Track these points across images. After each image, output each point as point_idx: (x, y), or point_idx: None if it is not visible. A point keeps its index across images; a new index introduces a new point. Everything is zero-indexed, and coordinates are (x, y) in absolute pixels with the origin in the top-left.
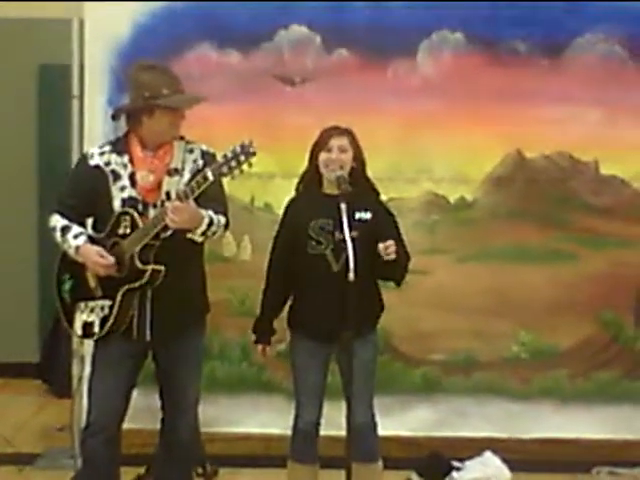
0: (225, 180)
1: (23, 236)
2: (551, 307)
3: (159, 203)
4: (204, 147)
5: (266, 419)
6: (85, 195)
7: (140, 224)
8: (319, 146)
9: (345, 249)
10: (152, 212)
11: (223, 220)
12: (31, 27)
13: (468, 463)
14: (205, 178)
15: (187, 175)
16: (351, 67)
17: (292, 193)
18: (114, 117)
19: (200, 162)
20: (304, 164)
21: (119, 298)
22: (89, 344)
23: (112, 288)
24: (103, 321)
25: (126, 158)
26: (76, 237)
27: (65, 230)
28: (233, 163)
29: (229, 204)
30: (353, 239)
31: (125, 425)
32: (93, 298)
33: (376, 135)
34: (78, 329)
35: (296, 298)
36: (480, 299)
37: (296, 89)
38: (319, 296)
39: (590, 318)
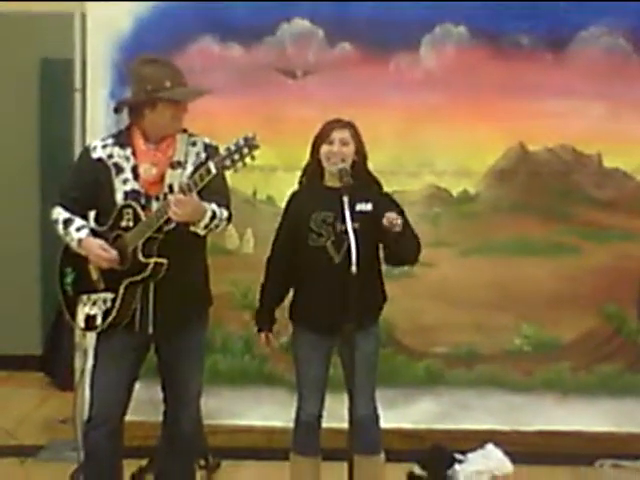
0: (227, 173)
1: (25, 229)
2: (554, 300)
3: (162, 196)
4: (207, 140)
5: (268, 412)
6: (87, 188)
7: (143, 217)
8: (321, 138)
9: (346, 241)
10: (155, 205)
11: (226, 213)
12: (33, 21)
13: (470, 455)
14: (208, 171)
15: (190, 168)
16: (354, 60)
17: (294, 186)
18: (116, 110)
19: (203, 155)
20: (306, 157)
21: (122, 291)
22: (91, 337)
23: (115, 281)
24: (106, 314)
25: (129, 151)
26: (78, 230)
27: (67, 223)
28: (236, 156)
29: (231, 197)
30: (355, 230)
31: (127, 417)
32: (96, 291)
33: (379, 128)
34: (81, 322)
35: (298, 290)
36: (483, 292)
37: (298, 82)
38: (320, 288)
39: (593, 311)
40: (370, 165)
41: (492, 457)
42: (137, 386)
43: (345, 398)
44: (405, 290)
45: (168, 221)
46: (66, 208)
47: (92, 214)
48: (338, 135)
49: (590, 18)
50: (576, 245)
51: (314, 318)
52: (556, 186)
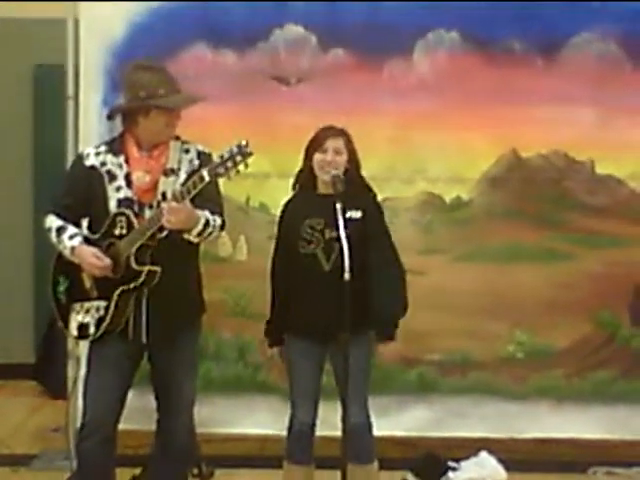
0: (220, 180)
1: (18, 236)
2: (547, 307)
3: (155, 204)
4: (200, 147)
5: (262, 420)
6: (81, 196)
7: (136, 225)
8: (314, 146)
9: (336, 248)
10: (148, 213)
11: (219, 220)
12: (26, 27)
13: (464, 463)
14: (201, 179)
15: (183, 175)
16: (347, 67)
17: (287, 193)
18: (110, 117)
19: (196, 162)
20: (299, 164)
21: (115, 299)
22: (84, 345)
23: (108, 289)
24: (99, 322)
25: (122, 158)
26: (71, 238)
27: (60, 231)
28: (229, 164)
29: (224, 204)
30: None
31: (120, 426)
32: (89, 299)
33: (372, 135)
34: (74, 330)
35: (289, 298)
36: (476, 299)
37: (292, 89)
38: (311, 296)
39: (586, 318)
40: (363, 172)
41: (486, 465)
42: (130, 394)
43: (338, 406)
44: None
45: (161, 229)
46: (59, 216)
47: (85, 222)
48: (332, 144)
49: (582, 24)
50: (569, 251)
51: (305, 325)
52: (549, 192)
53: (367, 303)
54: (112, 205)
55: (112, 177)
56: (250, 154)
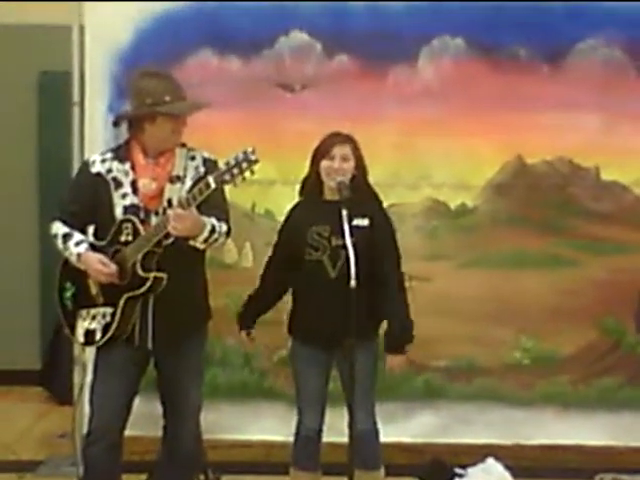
0: (226, 187)
1: (24, 243)
2: (553, 313)
3: (161, 210)
4: (206, 154)
5: (268, 426)
6: (87, 202)
7: (142, 231)
8: (321, 153)
9: (342, 256)
10: (154, 219)
11: (225, 227)
12: (31, 34)
13: (470, 470)
14: (207, 185)
15: (189, 182)
16: (352, 73)
17: (293, 199)
18: (116, 124)
19: (202, 169)
20: (305, 171)
21: (121, 305)
22: (91, 351)
23: (114, 295)
24: (105, 328)
25: (128, 165)
26: (78, 244)
27: (67, 237)
28: (235, 171)
29: (230, 211)
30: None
31: (127, 432)
32: (95, 305)
33: (376, 141)
34: (80, 336)
35: (295, 304)
36: (481, 305)
37: (296, 95)
38: (317, 302)
39: (592, 324)
40: (368, 178)
41: (492, 471)
42: (136, 400)
43: (345, 412)
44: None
45: (167, 235)
46: (65, 222)
47: (91, 229)
48: (339, 151)
49: (587, 30)
50: (574, 258)
51: (311, 332)
52: (554, 199)
53: (373, 310)
54: (118, 212)
55: (118, 184)
56: (256, 161)
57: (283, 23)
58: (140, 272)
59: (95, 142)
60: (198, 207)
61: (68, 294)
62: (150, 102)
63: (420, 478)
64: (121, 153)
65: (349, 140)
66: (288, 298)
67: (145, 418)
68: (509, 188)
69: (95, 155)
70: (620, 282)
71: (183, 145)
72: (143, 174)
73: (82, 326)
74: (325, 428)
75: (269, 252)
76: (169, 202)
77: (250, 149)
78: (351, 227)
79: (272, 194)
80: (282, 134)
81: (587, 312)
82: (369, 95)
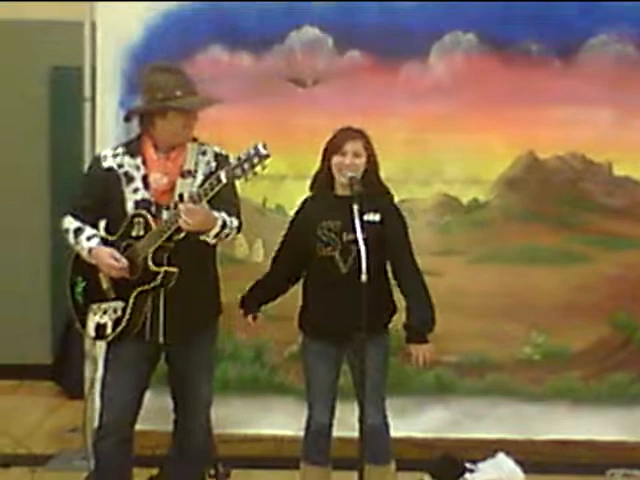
0: (237, 182)
1: (35, 238)
2: (564, 309)
3: (172, 205)
4: (217, 149)
5: (278, 420)
6: (98, 197)
7: (153, 226)
8: (333, 149)
9: (353, 251)
10: (165, 214)
11: (236, 222)
12: (43, 29)
13: (481, 465)
14: (219, 180)
15: (200, 177)
16: (363, 69)
17: (304, 194)
18: (127, 119)
19: (213, 164)
20: (316, 166)
21: (132, 300)
22: (101, 346)
23: (125, 290)
24: (116, 323)
25: (139, 160)
26: (89, 239)
27: (78, 232)
28: (246, 165)
29: (241, 206)
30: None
31: (137, 426)
32: (106, 300)
33: (388, 137)
34: (91, 331)
35: (306, 299)
36: (493, 300)
37: (308, 91)
38: (328, 298)
39: (603, 320)
40: (380, 173)
41: (503, 466)
42: (147, 395)
43: (355, 407)
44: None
45: (178, 230)
46: (77, 217)
47: (102, 223)
48: (351, 147)
49: (599, 25)
50: (586, 253)
51: (322, 327)
52: (566, 194)
53: (383, 305)
54: (129, 207)
55: (129, 179)
56: (267, 156)
57: (294, 18)
58: (151, 266)
59: (106, 137)
60: (209, 202)
61: (79, 289)
62: (161, 97)
63: (431, 473)
64: (132, 148)
65: (361, 135)
66: (298, 293)
67: (156, 412)
68: (521, 183)
69: (106, 150)
70: (632, 277)
71: (194, 140)
72: (154, 169)
73: (93, 320)
74: (335, 423)
75: (278, 245)
76: (180, 197)
77: (261, 144)
78: (362, 222)
79: (283, 189)
80: (293, 129)
81: (599, 307)
82: (381, 90)
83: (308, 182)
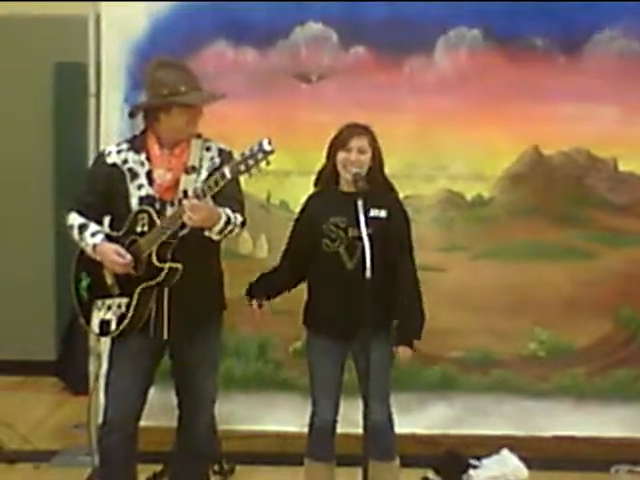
0: (241, 178)
1: (40, 234)
2: (569, 305)
3: (176, 201)
4: (221, 145)
5: (282, 417)
6: (102, 193)
7: (157, 222)
8: (338, 145)
9: (359, 247)
10: (169, 210)
11: (240, 218)
12: (47, 25)
13: (485, 461)
14: (223, 176)
15: (204, 173)
16: (367, 64)
17: (308, 190)
18: (131, 114)
19: (217, 160)
20: (320, 161)
21: (136, 296)
22: (106, 342)
23: (129, 286)
24: (120, 319)
25: (143, 156)
26: (93, 235)
27: (82, 228)
28: (251, 161)
29: (245, 202)
30: (367, 236)
31: (142, 423)
32: (110, 296)
33: (392, 132)
34: (95, 327)
35: (311, 295)
36: (497, 296)
37: (312, 86)
38: (333, 294)
39: (608, 316)
40: (385, 170)
41: (507, 463)
42: (152, 391)
43: (360, 403)
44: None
45: (183, 226)
46: (81, 213)
47: (107, 219)
48: (356, 143)
49: (604, 21)
50: (591, 250)
51: (327, 323)
52: (571, 190)
53: (389, 301)
54: (134, 203)
55: (134, 175)
56: (272, 152)
57: (298, 13)
58: (156, 262)
59: (111, 133)
60: (213, 198)
61: (84, 285)
62: (166, 92)
63: (435, 469)
64: (137, 144)
65: (366, 132)
66: (303, 289)
67: (160, 409)
68: (525, 179)
69: (111, 146)
70: (636, 274)
71: (198, 136)
72: (158, 165)
73: (97, 316)
74: (340, 419)
75: (285, 242)
76: (184, 193)
77: (266, 140)
78: (368, 218)
79: (287, 185)
80: (298, 125)
81: (603, 304)
82: (385, 86)
83: (312, 178)
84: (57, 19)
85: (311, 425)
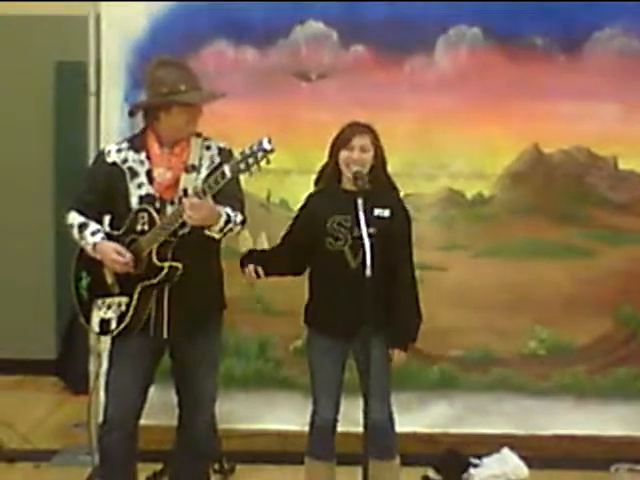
0: (241, 177)
1: (40, 233)
2: (569, 303)
3: (176, 200)
4: (221, 144)
5: (283, 415)
6: (102, 192)
7: (157, 221)
8: (340, 143)
9: (363, 246)
10: (169, 209)
11: (240, 217)
12: (48, 24)
13: (485, 460)
14: (223, 175)
15: (204, 172)
16: (368, 63)
17: (308, 189)
18: (131, 113)
19: (217, 159)
20: (320, 160)
21: (136, 295)
22: (106, 341)
23: (129, 285)
24: (120, 318)
25: (143, 155)
26: (93, 234)
27: (82, 227)
28: (251, 160)
29: (245, 200)
30: (371, 235)
31: (142, 421)
32: (110, 295)
33: (393, 131)
34: (95, 326)
35: (313, 294)
36: (497, 295)
37: (312, 85)
38: (337, 293)
39: (608, 314)
40: (387, 169)
41: (507, 461)
42: (152, 390)
43: (360, 402)
44: (419, 293)
45: (183, 225)
46: (81, 212)
47: (107, 218)
48: (359, 142)
49: (604, 19)
50: (591, 248)
51: (330, 322)
52: (571, 188)
53: (389, 301)
54: (134, 202)
55: (134, 174)
56: (272, 151)
57: (298, 12)
58: (156, 261)
59: (111, 132)
60: (213, 196)
61: (84, 284)
62: (165, 91)
63: (435, 468)
64: (136, 143)
65: (369, 130)
66: (302, 287)
67: (160, 408)
68: (526, 177)
69: (111, 145)
70: (637, 272)
71: (198, 135)
72: (158, 163)
73: (97, 315)
74: (340, 417)
75: (282, 236)
76: (184, 191)
77: (266, 139)
78: (372, 217)
79: (288, 184)
80: (298, 123)
81: (603, 302)
82: (385, 85)
83: (312, 177)
84: (57, 18)
85: (312, 424)
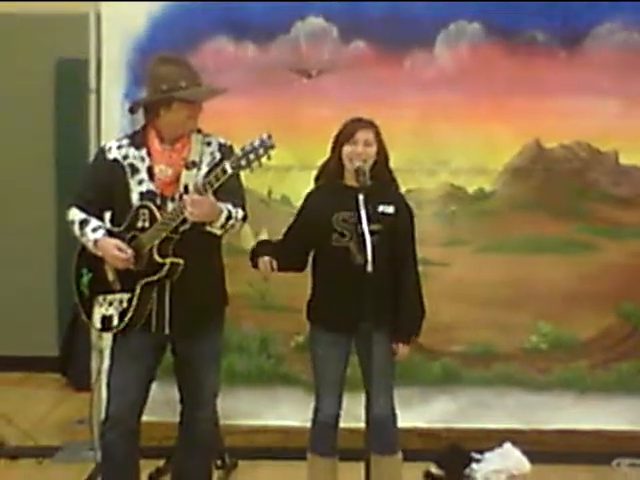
0: (242, 173)
1: (41, 230)
2: (571, 298)
3: (177, 196)
4: (221, 140)
5: (285, 411)
6: (103, 189)
7: (158, 217)
8: (343, 138)
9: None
10: (170, 205)
11: (241, 213)
12: (48, 22)
13: (488, 455)
14: (224, 171)
15: (205, 168)
16: (368, 59)
17: (309, 185)
18: (132, 110)
19: (217, 155)
20: (321, 156)
21: (138, 291)
22: (108, 337)
23: (131, 281)
24: (122, 314)
25: (144, 151)
26: (94, 231)
27: (83, 224)
28: (252, 156)
29: (246, 197)
30: (376, 232)
31: (144, 418)
32: (112, 291)
33: (394, 127)
34: (97, 323)
35: (316, 290)
36: (499, 290)
37: (313, 81)
38: (341, 288)
39: (610, 309)
40: (390, 164)
41: (510, 456)
42: (154, 386)
43: (362, 397)
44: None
45: (184, 221)
46: (82, 209)
47: (108, 215)
48: (362, 136)
49: (605, 14)
50: (592, 243)
51: (333, 318)
52: (572, 183)
53: (393, 297)
54: (134, 198)
55: (134, 170)
56: (272, 147)
57: (299, 8)
58: (157, 258)
59: (111, 129)
60: (214, 193)
61: (85, 280)
62: (166, 88)
63: (437, 463)
64: (137, 139)
65: (372, 126)
66: (304, 284)
67: (162, 404)
68: (527, 173)
69: (111, 141)
70: (638, 266)
71: (199, 131)
72: (159, 160)
73: (99, 312)
74: (342, 413)
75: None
76: (185, 188)
77: (266, 135)
78: (377, 213)
79: (288, 180)
80: (298, 119)
81: (605, 297)
82: (386, 80)
83: (313, 173)
84: (58, 16)
85: (314, 420)
